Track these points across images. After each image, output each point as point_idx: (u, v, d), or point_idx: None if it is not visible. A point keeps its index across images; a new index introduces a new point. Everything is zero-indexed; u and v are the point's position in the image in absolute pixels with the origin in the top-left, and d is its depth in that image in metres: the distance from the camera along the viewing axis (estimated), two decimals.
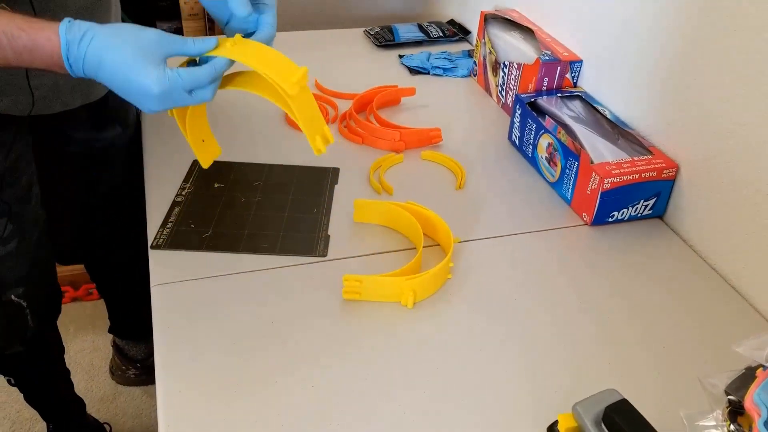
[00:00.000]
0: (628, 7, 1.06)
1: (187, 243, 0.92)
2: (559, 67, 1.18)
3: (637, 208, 1.00)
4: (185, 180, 1.05)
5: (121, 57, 0.70)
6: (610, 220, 1.01)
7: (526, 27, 1.29)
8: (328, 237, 0.95)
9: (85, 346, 1.73)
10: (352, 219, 0.99)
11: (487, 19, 1.34)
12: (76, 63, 0.71)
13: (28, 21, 0.71)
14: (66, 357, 1.38)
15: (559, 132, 1.04)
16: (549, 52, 1.19)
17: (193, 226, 0.95)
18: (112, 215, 1.31)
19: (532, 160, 1.12)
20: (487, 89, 1.35)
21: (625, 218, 1.01)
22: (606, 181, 0.96)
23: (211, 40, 0.76)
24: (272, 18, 0.82)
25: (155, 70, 0.70)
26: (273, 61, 0.77)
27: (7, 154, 1.02)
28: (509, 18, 1.32)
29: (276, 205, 1.00)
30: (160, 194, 1.02)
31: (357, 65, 1.45)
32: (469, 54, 1.48)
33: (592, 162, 0.98)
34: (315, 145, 0.81)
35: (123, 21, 1.68)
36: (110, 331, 1.59)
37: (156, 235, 0.93)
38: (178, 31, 1.69)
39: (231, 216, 0.98)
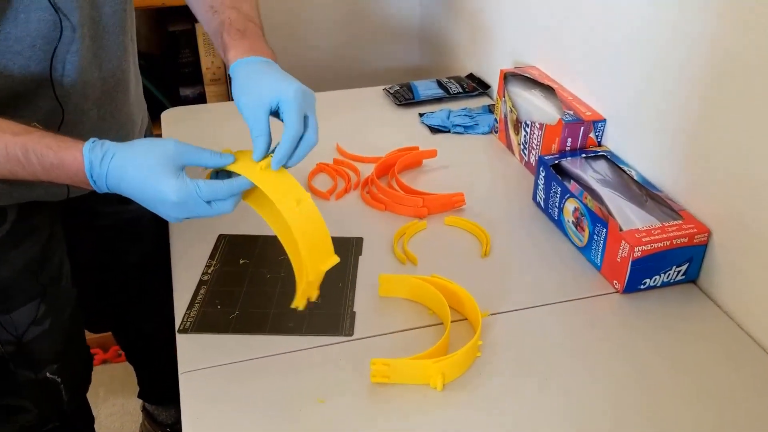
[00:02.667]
0: (648, 64, 1.05)
1: (214, 325, 0.92)
2: (582, 127, 1.17)
3: (669, 274, 0.98)
4: (211, 257, 1.05)
5: (140, 169, 0.74)
6: (642, 287, 0.98)
7: (547, 85, 1.28)
8: (354, 314, 0.94)
9: (115, 410, 1.73)
10: (377, 292, 0.98)
11: (507, 76, 1.34)
12: (99, 179, 0.75)
13: (56, 140, 0.76)
14: (96, 422, 1.38)
15: (586, 197, 1.02)
16: (571, 112, 1.18)
17: (219, 306, 0.95)
18: (140, 284, 1.32)
19: (559, 224, 1.11)
20: (509, 147, 1.35)
21: (658, 285, 0.99)
22: (636, 249, 0.94)
23: (228, 157, 0.79)
24: (314, 124, 0.82)
25: (173, 179, 0.73)
26: (286, 195, 0.78)
27: (41, 238, 1.03)
28: (529, 76, 1.32)
29: None
30: (187, 273, 1.02)
31: (378, 125, 1.45)
32: (490, 109, 1.47)
33: (620, 229, 0.96)
34: (298, 297, 0.82)
35: (145, 89, 1.72)
36: (140, 396, 1.58)
37: (183, 318, 0.93)
38: (201, 96, 1.70)
39: (257, 294, 0.97)
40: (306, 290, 0.82)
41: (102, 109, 0.98)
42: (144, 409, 1.62)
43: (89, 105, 0.95)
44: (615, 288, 0.99)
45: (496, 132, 1.40)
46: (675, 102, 1.01)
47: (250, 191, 0.81)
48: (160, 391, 1.57)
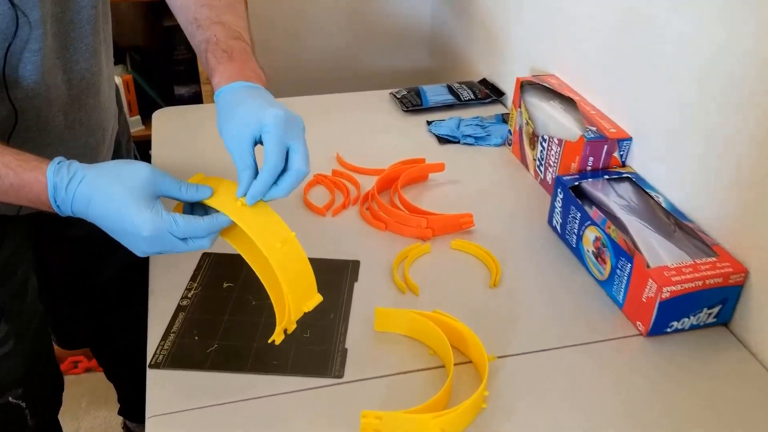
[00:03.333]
0: (685, 79, 0.94)
1: (190, 360, 0.82)
2: (605, 146, 1.06)
3: (699, 317, 0.88)
4: (192, 278, 0.95)
5: (110, 197, 0.66)
6: (668, 330, 0.88)
7: (567, 96, 1.17)
8: (345, 351, 0.84)
9: (97, 423, 1.64)
10: (371, 325, 0.88)
11: (524, 85, 1.24)
12: (63, 204, 0.68)
13: (17, 158, 0.68)
14: None
15: (609, 226, 0.92)
16: (594, 128, 1.08)
17: (197, 338, 0.85)
18: (117, 298, 1.22)
19: (577, 252, 1.01)
20: (524, 161, 1.24)
21: (686, 328, 0.89)
22: (665, 290, 0.84)
23: (206, 190, 0.71)
24: (302, 153, 0.72)
25: (146, 210, 0.66)
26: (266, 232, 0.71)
27: (2, 252, 0.94)
28: (548, 85, 1.21)
29: None
30: (165, 297, 0.92)
31: (382, 133, 1.35)
32: (504, 119, 1.37)
33: (648, 266, 0.86)
34: (277, 332, 0.75)
35: (138, 86, 1.62)
36: (120, 413, 1.49)
37: (156, 351, 0.83)
38: (197, 95, 1.60)
39: (240, 324, 0.88)
40: (285, 325, 0.73)
41: (69, 115, 0.89)
42: (125, 427, 1.53)
43: (54, 111, 0.86)
44: (638, 330, 0.89)
45: (510, 144, 1.29)
46: (714, 123, 0.90)
47: (228, 227, 0.72)
48: (141, 408, 1.47)
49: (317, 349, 0.84)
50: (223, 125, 0.74)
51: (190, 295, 0.92)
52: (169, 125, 1.38)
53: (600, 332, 0.89)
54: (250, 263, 0.74)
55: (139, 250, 0.69)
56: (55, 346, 1.17)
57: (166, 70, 1.59)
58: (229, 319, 0.88)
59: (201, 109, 1.49)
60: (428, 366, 0.83)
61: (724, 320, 0.90)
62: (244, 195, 0.70)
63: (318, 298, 0.74)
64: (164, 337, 0.85)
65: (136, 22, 1.68)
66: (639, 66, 1.04)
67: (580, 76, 1.20)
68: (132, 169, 0.67)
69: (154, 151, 1.28)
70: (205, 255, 0.99)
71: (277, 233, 0.70)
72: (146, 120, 1.67)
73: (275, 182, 0.71)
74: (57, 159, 0.68)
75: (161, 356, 0.83)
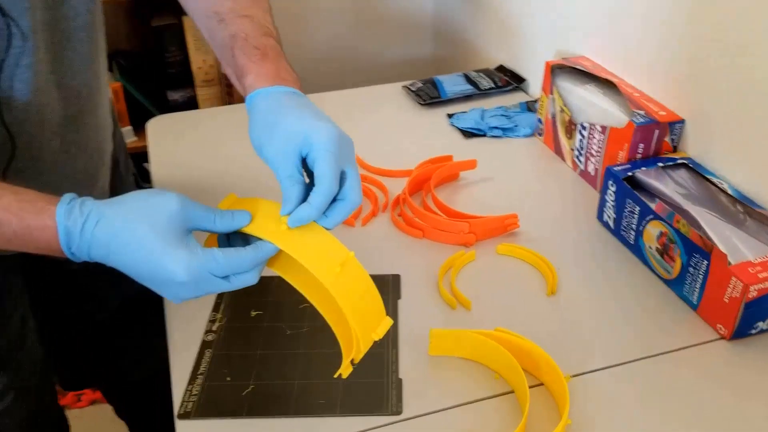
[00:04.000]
0: (752, 62, 0.85)
1: (224, 406, 0.72)
2: (657, 131, 0.97)
3: None
4: (215, 308, 0.85)
5: (136, 240, 0.55)
6: (752, 332, 0.79)
7: (605, 79, 1.08)
8: (400, 382, 0.74)
9: None
10: (424, 349, 0.78)
11: (554, 70, 1.14)
12: (79, 251, 0.57)
13: (17, 199, 0.57)
14: None
15: (678, 220, 0.83)
16: (642, 112, 0.98)
17: (229, 378, 0.75)
18: (125, 330, 1.11)
19: (636, 249, 0.91)
20: (558, 152, 1.15)
21: None
22: (752, 288, 0.75)
23: (243, 216, 0.60)
24: (356, 180, 0.63)
25: (180, 250, 0.55)
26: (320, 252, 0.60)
27: None
28: (581, 68, 1.12)
29: (330, 335, 0.80)
30: (185, 331, 0.82)
31: (401, 130, 1.25)
32: (528, 107, 1.27)
33: (729, 263, 0.77)
34: (344, 365, 0.64)
35: (128, 94, 1.51)
36: None
37: (183, 398, 0.73)
38: (192, 100, 1.49)
39: (276, 359, 0.78)
40: (353, 356, 0.63)
41: (66, 138, 0.77)
42: None
43: (48, 134, 0.75)
44: (720, 333, 0.80)
45: (541, 134, 1.20)
46: None
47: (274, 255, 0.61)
48: None
49: (368, 382, 0.75)
50: (261, 134, 0.63)
51: (215, 328, 0.82)
52: (165, 134, 1.27)
53: (677, 338, 0.80)
54: (303, 292, 0.64)
55: (176, 297, 0.58)
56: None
57: (157, 74, 1.48)
58: (262, 354, 0.78)
59: (199, 115, 1.38)
60: (496, 392, 0.73)
61: None
62: (288, 214, 0.60)
63: (388, 322, 0.63)
64: (191, 381, 0.75)
65: (120, 24, 1.56)
66: (693, 40, 0.94)
67: (617, 56, 1.10)
68: (157, 203, 0.57)
69: (153, 165, 1.17)
70: None
71: (333, 256, 0.60)
72: (138, 130, 1.56)
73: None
74: (66, 197, 0.58)
75: (190, 404, 0.72)
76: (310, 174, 0.62)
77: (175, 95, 1.49)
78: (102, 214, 0.56)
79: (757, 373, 0.76)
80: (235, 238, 0.62)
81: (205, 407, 0.72)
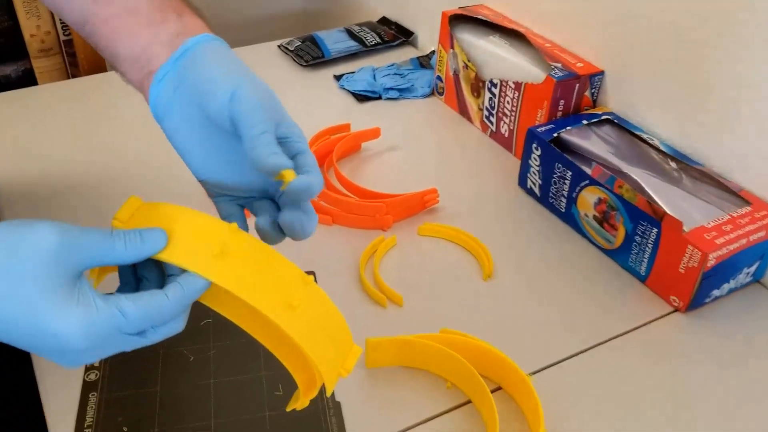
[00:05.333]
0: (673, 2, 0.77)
1: None
2: (577, 85, 0.89)
3: (738, 280, 0.74)
4: None
5: (8, 302, 0.39)
6: (707, 300, 0.74)
7: (511, 29, 0.98)
8: (338, 406, 0.62)
9: None
10: (360, 361, 0.66)
11: (452, 21, 1.03)
12: None
13: None
14: None
15: (620, 185, 0.75)
16: (559, 65, 0.89)
17: (126, 429, 0.60)
18: None
19: (569, 218, 0.83)
20: (464, 113, 1.05)
21: (725, 293, 0.74)
22: (710, 256, 0.68)
23: (157, 236, 0.44)
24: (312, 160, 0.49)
25: (71, 306, 0.40)
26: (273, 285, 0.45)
27: None
28: (482, 18, 1.01)
29: (245, 357, 0.66)
30: (60, 370, 0.65)
31: (284, 96, 1.08)
32: (422, 63, 1.16)
33: (683, 231, 0.70)
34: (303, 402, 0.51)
35: None
36: None
37: None
38: (28, 74, 1.25)
39: (181, 395, 0.63)
40: (312, 395, 0.51)
41: None
42: None
43: None
44: (674, 306, 0.73)
45: (441, 93, 1.09)
46: (703, 36, 0.75)
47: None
48: None
49: (300, 412, 0.61)
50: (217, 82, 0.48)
51: (96, 364, 0.66)
52: (1, 119, 1.05)
53: (631, 317, 0.72)
54: (243, 327, 0.49)
55: (72, 363, 0.42)
56: None
57: None
58: (163, 391, 0.63)
59: (39, 92, 1.15)
60: (452, 404, 0.63)
61: (758, 277, 0.77)
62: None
63: (357, 352, 0.50)
64: None
65: None
66: None
67: (520, 2, 1.00)
68: (27, 242, 0.39)
69: None
70: None
71: (287, 285, 0.45)
72: None
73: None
74: None
75: None
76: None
77: (6, 69, 1.23)
78: None
79: (717, 341, 0.70)
80: (146, 266, 0.47)
81: None
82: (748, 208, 0.73)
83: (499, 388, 0.65)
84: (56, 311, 0.39)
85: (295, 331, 0.44)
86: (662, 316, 0.73)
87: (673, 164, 0.82)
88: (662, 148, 0.82)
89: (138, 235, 0.43)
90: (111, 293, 0.43)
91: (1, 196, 0.88)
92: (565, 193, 0.82)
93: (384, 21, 1.29)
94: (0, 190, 0.89)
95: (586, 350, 0.68)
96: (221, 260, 0.43)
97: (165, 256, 0.43)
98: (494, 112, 0.97)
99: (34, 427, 0.70)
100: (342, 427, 0.60)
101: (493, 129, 0.99)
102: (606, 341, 0.69)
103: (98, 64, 1.26)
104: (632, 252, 0.76)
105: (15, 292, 0.39)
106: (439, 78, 1.08)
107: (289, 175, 0.45)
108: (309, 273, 0.75)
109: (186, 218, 0.45)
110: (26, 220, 0.41)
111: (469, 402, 0.63)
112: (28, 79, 1.25)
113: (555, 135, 0.84)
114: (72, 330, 0.39)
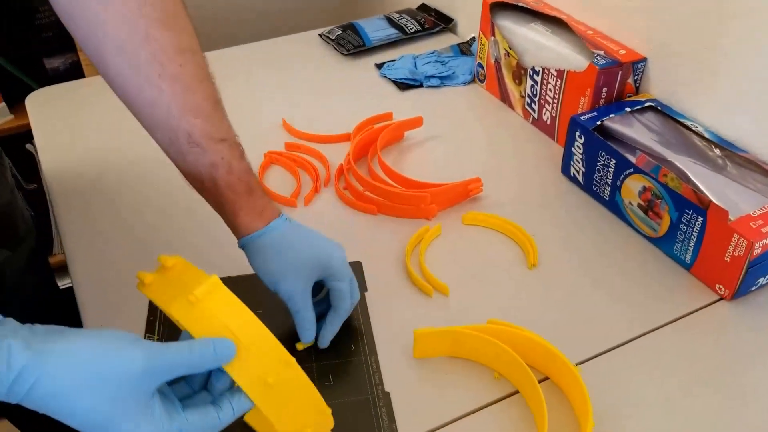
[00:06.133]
0: None
1: None
2: (620, 72, 0.88)
3: None
4: (148, 329, 0.71)
5: (83, 411, 0.42)
6: (753, 289, 0.74)
7: (552, 16, 0.98)
8: (387, 396, 0.64)
9: None
10: (407, 351, 0.68)
11: (494, 8, 1.03)
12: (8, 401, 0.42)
13: None
14: None
15: (665, 174, 0.75)
16: (602, 52, 0.89)
17: None
18: None
19: (613, 206, 0.84)
20: (506, 100, 1.05)
21: None
22: (756, 245, 0.68)
23: (226, 348, 0.48)
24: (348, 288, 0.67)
25: (143, 424, 0.44)
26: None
27: None
28: (524, 5, 1.01)
29: (292, 349, 0.68)
30: None
31: (327, 86, 1.11)
32: (462, 50, 1.16)
33: (729, 220, 0.70)
34: None
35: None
36: None
37: None
38: (75, 66, 1.28)
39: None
40: None
41: None
42: None
43: None
44: (719, 294, 0.74)
45: (482, 81, 1.09)
46: (746, 23, 0.74)
47: None
48: None
49: (350, 401, 0.64)
50: (274, 271, 0.63)
51: None
52: (49, 111, 1.08)
53: (677, 304, 0.73)
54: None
55: None
56: None
57: (29, 40, 1.26)
58: None
59: (86, 84, 1.19)
60: (500, 395, 0.64)
61: None
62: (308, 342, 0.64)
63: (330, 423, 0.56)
64: None
65: None
66: None
67: None
68: (117, 361, 0.43)
69: (41, 152, 0.99)
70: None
71: (310, 416, 0.53)
72: (14, 108, 1.33)
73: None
74: None
75: None
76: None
77: (54, 62, 1.27)
78: (41, 372, 0.41)
79: (764, 328, 0.70)
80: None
81: None
82: None
83: (546, 379, 0.66)
84: (128, 425, 0.43)
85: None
86: (708, 305, 0.73)
87: (717, 151, 0.81)
88: (706, 135, 0.82)
89: (212, 348, 0.47)
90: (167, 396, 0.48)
91: (52, 187, 0.91)
92: (609, 182, 0.83)
93: (423, 8, 1.29)
94: (50, 180, 0.92)
95: (632, 339, 0.69)
96: (271, 390, 0.49)
97: (229, 370, 0.48)
98: (536, 99, 0.98)
99: None
100: (392, 417, 0.62)
101: (535, 116, 0.99)
102: (652, 330, 0.70)
103: None
104: (677, 240, 0.76)
105: (97, 411, 0.42)
106: (480, 65, 1.08)
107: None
108: (356, 263, 0.77)
109: (254, 333, 0.49)
110: (118, 336, 0.44)
111: (516, 392, 0.64)
112: (75, 71, 1.28)
113: (598, 123, 0.84)
114: None
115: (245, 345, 0.48)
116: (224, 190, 0.61)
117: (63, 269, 0.82)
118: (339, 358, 0.67)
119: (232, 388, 0.50)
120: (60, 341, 0.42)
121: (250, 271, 0.65)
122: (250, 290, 0.60)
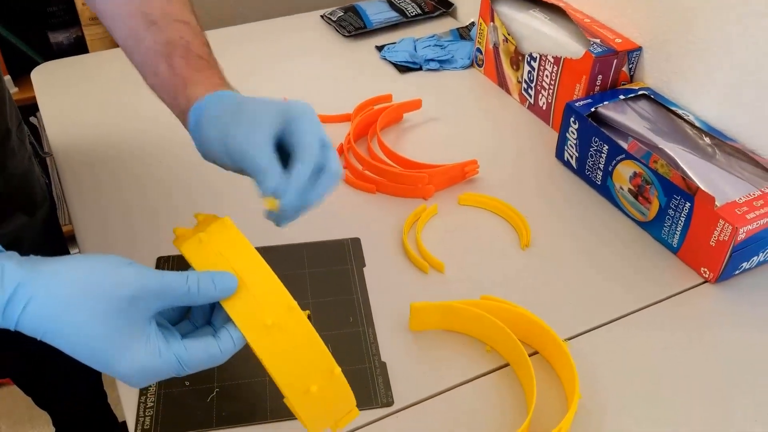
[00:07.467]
0: None
1: (189, 418, 0.62)
2: (615, 60, 0.91)
3: (767, 253, 0.77)
4: None
5: (77, 334, 0.43)
6: (736, 273, 0.77)
7: (551, 4, 1.00)
8: (384, 366, 0.67)
9: None
10: (403, 324, 0.71)
11: None
12: (4, 325, 0.43)
13: None
14: None
15: (656, 160, 0.77)
16: (598, 40, 0.91)
17: (188, 383, 0.65)
18: None
19: (604, 190, 0.86)
20: (503, 85, 1.07)
21: (753, 266, 0.77)
22: (740, 230, 0.71)
23: (230, 283, 0.47)
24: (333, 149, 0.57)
25: (137, 350, 0.44)
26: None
27: None
28: None
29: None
30: None
31: (327, 67, 1.13)
32: (461, 35, 1.18)
33: (716, 206, 0.73)
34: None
35: (4, 40, 1.29)
36: None
37: (138, 412, 0.62)
38: (79, 41, 1.30)
39: (239, 355, 0.68)
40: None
41: None
42: None
43: None
44: (704, 277, 0.77)
45: (481, 65, 1.11)
46: (739, 15, 0.76)
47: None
48: None
49: (349, 369, 0.66)
50: (223, 130, 0.55)
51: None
52: (53, 83, 1.10)
53: (663, 286, 0.76)
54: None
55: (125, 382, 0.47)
56: None
57: (35, 14, 1.27)
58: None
59: (90, 59, 1.20)
60: (492, 367, 0.67)
61: None
62: (271, 197, 0.53)
63: (354, 414, 0.54)
64: (142, 391, 0.64)
65: None
66: None
67: None
68: (110, 279, 0.43)
69: (47, 124, 1.01)
70: (161, 260, 0.77)
71: (313, 371, 0.50)
72: (19, 81, 1.35)
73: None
74: None
75: (147, 419, 0.62)
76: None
77: (58, 37, 1.28)
78: (33, 291, 0.42)
79: (746, 310, 0.73)
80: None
81: (166, 421, 0.62)
82: None
83: (536, 353, 0.69)
84: (122, 352, 0.43)
85: (305, 413, 0.50)
86: (693, 287, 0.76)
87: (707, 140, 0.84)
88: (697, 123, 0.85)
89: (211, 282, 0.46)
90: (167, 327, 0.48)
91: (59, 158, 0.93)
92: (602, 167, 0.85)
93: None
94: (56, 152, 0.94)
95: (619, 318, 0.72)
96: (269, 333, 0.47)
97: (227, 307, 0.47)
98: (533, 85, 1.00)
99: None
100: (388, 386, 0.65)
101: (531, 101, 1.02)
102: (638, 310, 0.73)
103: None
104: (665, 225, 0.79)
105: (90, 335, 0.43)
106: (478, 50, 1.10)
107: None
108: (354, 240, 0.79)
109: (257, 272, 0.48)
110: (109, 260, 0.45)
111: (507, 365, 0.67)
112: (79, 46, 1.29)
113: (592, 110, 0.87)
114: (132, 372, 0.44)
115: (247, 285, 0.47)
116: (178, 64, 0.58)
117: (71, 239, 0.84)
118: (339, 327, 0.70)
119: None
120: (54, 263, 0.43)
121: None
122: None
